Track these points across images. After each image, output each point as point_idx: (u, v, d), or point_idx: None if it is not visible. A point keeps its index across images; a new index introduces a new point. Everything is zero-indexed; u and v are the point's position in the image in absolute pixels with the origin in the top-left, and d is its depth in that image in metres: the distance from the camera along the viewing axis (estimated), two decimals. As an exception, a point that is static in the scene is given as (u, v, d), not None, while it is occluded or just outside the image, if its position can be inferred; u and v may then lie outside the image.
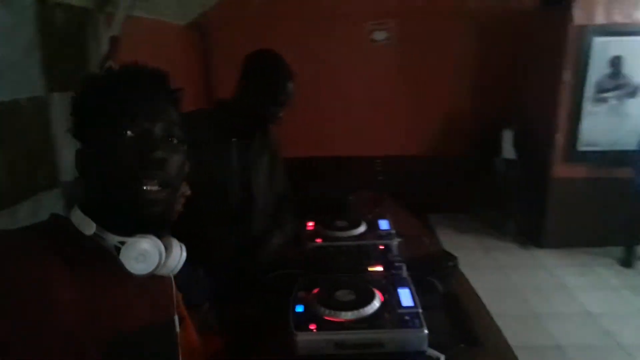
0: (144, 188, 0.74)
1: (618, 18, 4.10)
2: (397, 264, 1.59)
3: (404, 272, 1.57)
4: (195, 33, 4.63)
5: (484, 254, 4.29)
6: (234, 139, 1.81)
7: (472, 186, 4.97)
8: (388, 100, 5.05)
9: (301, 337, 1.27)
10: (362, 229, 1.91)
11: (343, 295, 1.41)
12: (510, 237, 4.65)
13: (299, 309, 1.37)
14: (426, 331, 1.27)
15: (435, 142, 5.23)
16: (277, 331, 1.37)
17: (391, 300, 1.39)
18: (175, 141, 0.79)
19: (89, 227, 0.75)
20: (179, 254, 0.81)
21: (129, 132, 0.74)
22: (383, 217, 2.01)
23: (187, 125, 0.83)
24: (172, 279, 0.85)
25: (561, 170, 4.40)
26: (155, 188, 0.75)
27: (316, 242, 1.83)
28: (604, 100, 4.26)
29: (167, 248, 0.79)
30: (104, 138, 0.75)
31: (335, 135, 4.97)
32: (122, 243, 0.74)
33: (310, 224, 1.99)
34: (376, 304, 1.36)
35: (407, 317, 1.30)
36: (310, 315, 1.34)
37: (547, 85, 4.44)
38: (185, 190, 1.01)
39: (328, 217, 2.02)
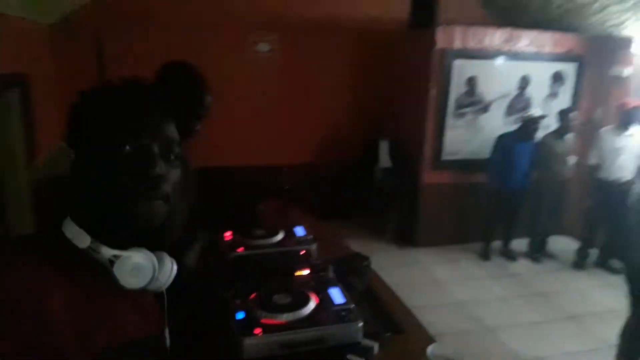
0: (142, 202, 0.74)
1: (472, 43, 4.75)
2: (322, 267, 1.71)
3: (331, 273, 1.70)
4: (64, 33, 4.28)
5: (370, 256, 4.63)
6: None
7: (356, 193, 5.34)
8: (274, 111, 5.20)
9: (248, 341, 1.32)
10: (280, 236, 1.99)
11: (280, 299, 1.49)
12: (389, 239, 5.09)
13: (240, 315, 1.42)
14: (361, 323, 1.41)
15: (322, 151, 5.50)
16: (216, 339, 1.40)
17: (325, 300, 1.51)
18: (172, 157, 0.79)
19: (83, 240, 0.74)
20: (169, 269, 0.81)
21: (127, 147, 0.74)
22: (297, 224, 2.12)
23: None
24: (165, 293, 0.86)
25: (429, 177, 4.93)
26: (152, 203, 0.75)
27: (237, 251, 1.87)
28: (463, 115, 4.89)
29: (159, 262, 0.79)
30: (102, 151, 0.74)
31: (222, 145, 4.96)
32: (116, 256, 0.74)
33: (228, 234, 2.02)
34: (312, 304, 1.47)
35: (343, 313, 1.43)
36: (252, 321, 1.40)
37: (416, 100, 4.96)
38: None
39: (244, 227, 2.07)
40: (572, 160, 4.59)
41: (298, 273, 1.73)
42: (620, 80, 4.77)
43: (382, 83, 5.43)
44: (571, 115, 4.51)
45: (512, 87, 4.94)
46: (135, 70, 0.89)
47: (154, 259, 0.78)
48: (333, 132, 5.53)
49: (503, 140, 4.54)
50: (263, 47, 5.15)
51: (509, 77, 4.92)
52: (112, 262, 0.74)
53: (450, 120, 4.87)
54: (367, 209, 5.44)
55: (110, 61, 4.43)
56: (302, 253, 1.88)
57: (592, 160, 4.39)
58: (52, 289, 0.67)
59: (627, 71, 4.69)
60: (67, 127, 0.78)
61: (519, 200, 4.66)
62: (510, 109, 4.98)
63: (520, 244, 4.86)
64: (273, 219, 2.45)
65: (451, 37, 4.67)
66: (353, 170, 5.43)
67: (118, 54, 4.41)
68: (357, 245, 2.43)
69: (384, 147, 5.23)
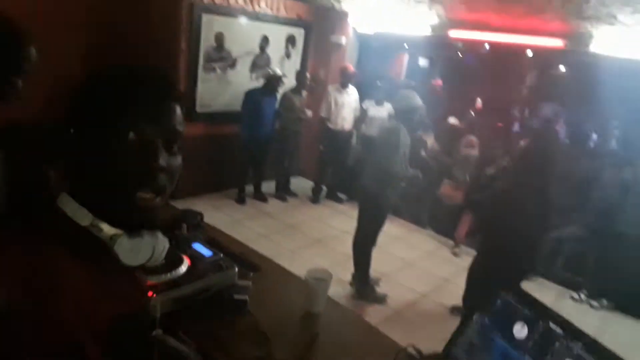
0: (139, 196, 0.75)
1: (218, 0, 4.93)
2: (175, 226, 1.80)
3: (185, 231, 1.80)
4: None
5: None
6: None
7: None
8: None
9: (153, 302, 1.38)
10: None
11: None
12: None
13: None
14: (237, 268, 1.62)
15: (52, 104, 4.84)
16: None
17: (195, 255, 1.64)
18: (175, 148, 0.80)
19: (85, 218, 0.74)
20: (163, 245, 0.84)
21: (132, 134, 0.73)
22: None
23: None
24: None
25: (185, 129, 5.02)
26: (149, 196, 0.76)
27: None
28: (213, 69, 5.12)
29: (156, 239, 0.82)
30: (105, 137, 0.73)
31: None
32: (117, 234, 0.76)
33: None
34: (187, 261, 1.59)
35: (220, 263, 1.61)
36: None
37: (167, 53, 4.89)
38: None
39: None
40: (307, 112, 5.42)
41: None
42: (338, 47, 5.82)
43: (127, 32, 5.08)
44: (306, 75, 5.31)
45: (255, 46, 5.41)
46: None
47: (154, 238, 0.81)
48: (66, 82, 4.92)
49: (251, 96, 5.00)
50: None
51: (252, 36, 5.36)
52: (112, 239, 0.76)
53: (202, 74, 5.03)
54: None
55: None
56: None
57: (322, 113, 5.31)
58: (63, 266, 0.68)
59: (344, 39, 5.75)
60: (70, 105, 0.76)
61: (266, 148, 5.25)
62: (254, 66, 5.46)
63: (268, 186, 5.55)
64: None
65: (202, -9, 4.74)
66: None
67: None
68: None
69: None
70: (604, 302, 4.00)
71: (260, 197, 5.45)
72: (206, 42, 4.95)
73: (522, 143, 4.10)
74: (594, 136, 5.15)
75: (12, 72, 1.55)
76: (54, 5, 4.50)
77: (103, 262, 0.75)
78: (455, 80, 7.01)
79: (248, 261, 1.86)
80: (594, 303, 4.02)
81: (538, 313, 1.17)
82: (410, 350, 1.37)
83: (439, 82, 6.85)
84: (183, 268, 1.54)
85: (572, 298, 4.13)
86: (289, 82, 5.37)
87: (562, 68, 6.11)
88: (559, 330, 1.12)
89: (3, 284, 0.63)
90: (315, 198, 5.60)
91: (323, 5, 5.65)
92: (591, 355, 1.05)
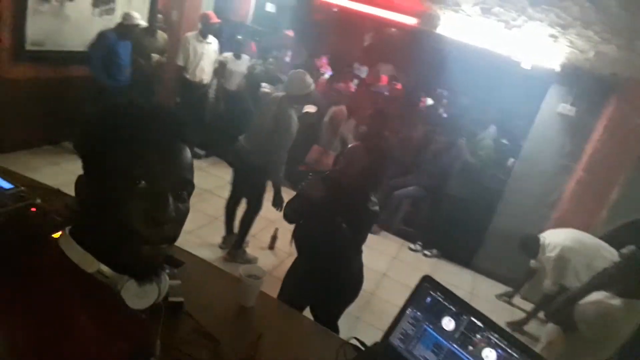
0: (147, 247, 0.73)
1: None
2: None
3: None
4: None
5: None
6: None
7: None
8: None
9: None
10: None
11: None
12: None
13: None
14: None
15: None
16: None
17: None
18: (184, 194, 0.78)
19: (92, 266, 0.72)
20: (165, 282, 0.83)
21: (142, 183, 0.71)
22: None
23: None
24: (162, 305, 0.88)
25: (10, 71, 4.22)
26: (156, 248, 0.75)
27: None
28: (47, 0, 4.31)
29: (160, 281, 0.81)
30: (114, 181, 0.71)
31: None
32: (122, 279, 0.75)
33: None
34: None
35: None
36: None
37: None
38: None
39: None
40: (155, 57, 4.97)
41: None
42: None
43: None
44: (157, 15, 4.83)
45: (96, -24, 4.68)
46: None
47: (159, 280, 0.81)
48: None
49: (106, 38, 4.39)
50: None
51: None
52: (118, 284, 0.75)
53: (33, 4, 4.20)
54: None
55: None
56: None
57: (179, 61, 4.95)
58: (74, 311, 0.69)
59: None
60: (80, 136, 0.74)
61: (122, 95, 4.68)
62: (97, 1, 4.75)
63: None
64: None
65: None
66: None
67: None
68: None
69: None
70: (435, 251, 4.83)
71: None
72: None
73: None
74: (429, 100, 5.88)
75: None
76: None
77: (107, 304, 0.75)
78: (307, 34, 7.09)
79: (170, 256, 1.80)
80: (427, 252, 4.82)
81: (462, 309, 1.44)
82: (354, 342, 1.55)
83: (291, 32, 6.81)
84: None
85: (410, 248, 4.87)
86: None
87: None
88: (479, 323, 1.42)
89: (3, 330, 0.62)
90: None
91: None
92: (504, 343, 1.37)
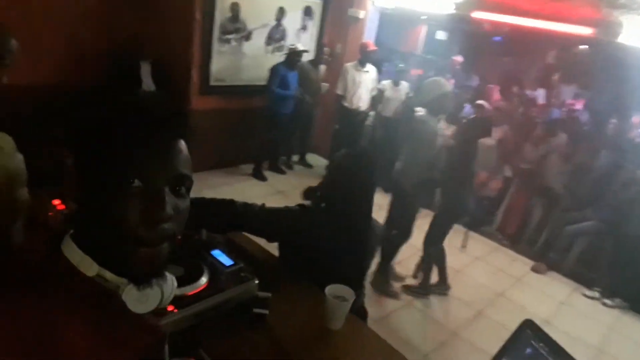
0: (143, 249, 0.69)
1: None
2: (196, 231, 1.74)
3: (204, 235, 1.75)
4: None
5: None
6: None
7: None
8: None
9: (165, 319, 1.33)
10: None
11: (173, 271, 1.50)
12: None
13: (142, 296, 1.39)
14: (257, 281, 1.57)
15: (63, 69, 4.73)
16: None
17: (214, 264, 1.59)
18: (183, 190, 0.73)
19: (91, 269, 0.70)
20: (171, 285, 0.81)
21: (136, 182, 0.67)
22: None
23: None
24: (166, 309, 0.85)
25: (197, 102, 4.94)
26: (153, 248, 0.70)
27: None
28: (228, 41, 4.96)
29: (164, 281, 0.78)
30: (106, 180, 0.66)
31: None
32: (123, 283, 0.72)
33: (57, 202, 1.78)
34: (207, 272, 1.54)
35: (241, 274, 1.56)
36: (157, 299, 1.39)
37: (180, 22, 4.74)
38: None
39: (65, 190, 1.84)
40: (324, 87, 5.29)
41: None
42: (356, 21, 5.62)
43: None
44: (323, 48, 5.15)
45: (271, 17, 5.22)
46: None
47: (161, 283, 0.77)
48: (76, 48, 4.80)
49: (277, 71, 4.84)
50: None
51: (268, 7, 5.17)
52: (119, 288, 0.72)
53: (216, 46, 4.88)
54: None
55: None
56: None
57: (339, 90, 5.18)
58: (66, 317, 0.65)
59: (362, 13, 5.54)
60: (69, 129, 0.69)
61: (291, 122, 5.12)
62: (270, 39, 5.30)
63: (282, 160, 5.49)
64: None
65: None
66: (102, 93, 4.91)
67: None
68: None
69: (145, 69, 4.88)
70: (618, 301, 3.97)
71: (279, 170, 5.41)
72: (221, 12, 4.78)
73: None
74: (614, 121, 4.99)
75: None
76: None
77: (108, 309, 0.71)
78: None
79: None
80: (608, 301, 3.99)
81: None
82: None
83: (459, 58, 6.60)
84: (203, 280, 1.50)
85: (585, 295, 4.10)
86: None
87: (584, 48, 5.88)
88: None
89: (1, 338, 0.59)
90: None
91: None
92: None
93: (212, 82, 4.98)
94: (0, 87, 1.51)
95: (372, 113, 5.45)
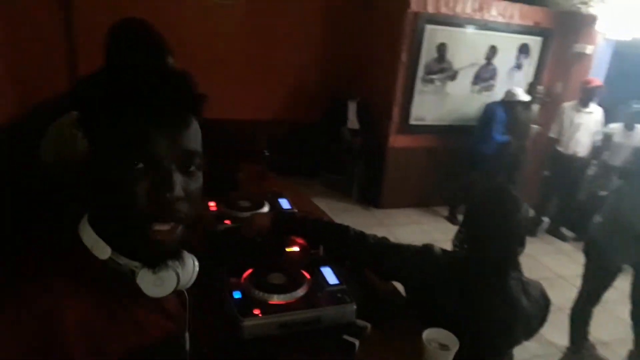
0: (155, 230, 0.67)
1: (444, 10, 4.72)
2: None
3: (321, 251, 1.72)
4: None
5: (334, 216, 4.71)
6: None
7: (322, 153, 5.36)
8: (237, 65, 5.01)
9: (247, 322, 1.33)
10: (266, 208, 1.98)
11: (275, 278, 1.50)
12: (354, 199, 5.19)
13: (237, 295, 1.41)
14: (355, 306, 1.44)
15: (286, 108, 5.42)
16: (213, 318, 1.40)
17: (318, 279, 1.53)
18: (193, 168, 0.70)
19: (104, 252, 0.69)
20: (192, 268, 0.78)
21: (140, 165, 0.64)
22: (280, 196, 2.12)
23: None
24: (186, 293, 0.83)
25: (396, 140, 5.00)
26: (166, 228, 0.68)
27: (225, 223, 1.84)
28: (431, 81, 4.93)
29: (182, 265, 0.75)
30: (110, 163, 0.64)
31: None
32: (137, 267, 0.71)
33: (212, 204, 1.98)
34: (307, 284, 1.49)
35: (338, 295, 1.46)
36: (249, 301, 1.40)
37: (386, 63, 4.93)
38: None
39: (227, 197, 2.03)
40: (534, 129, 4.76)
41: (288, 249, 1.74)
42: (582, 57, 4.93)
43: (352, 42, 5.35)
44: (537, 87, 4.66)
45: (480, 56, 5.00)
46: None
47: (177, 265, 0.74)
48: (299, 89, 5.45)
49: (492, 110, 4.60)
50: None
51: (478, 46, 4.97)
52: (133, 271, 0.71)
53: (419, 85, 4.90)
54: (334, 169, 5.49)
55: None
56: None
57: (552, 133, 4.57)
58: (67, 302, 0.63)
59: (589, 48, 4.84)
60: (79, 104, 0.66)
61: (493, 165, 4.73)
62: (477, 78, 5.06)
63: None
64: (252, 186, 2.42)
65: (425, 1, 4.62)
66: (319, 129, 5.42)
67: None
68: (322, 205, 2.44)
69: (352, 108, 5.21)
70: None
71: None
72: (427, 53, 4.80)
73: None
74: None
75: None
76: (298, 20, 5.05)
77: (121, 293, 0.71)
78: None
79: (380, 298, 1.66)
80: None
81: None
82: None
83: None
84: (300, 292, 1.45)
85: None
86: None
87: None
88: None
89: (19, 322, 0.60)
90: (532, 230, 4.86)
91: (566, 10, 4.86)
92: None
93: (412, 121, 4.99)
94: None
95: (594, 161, 4.62)
